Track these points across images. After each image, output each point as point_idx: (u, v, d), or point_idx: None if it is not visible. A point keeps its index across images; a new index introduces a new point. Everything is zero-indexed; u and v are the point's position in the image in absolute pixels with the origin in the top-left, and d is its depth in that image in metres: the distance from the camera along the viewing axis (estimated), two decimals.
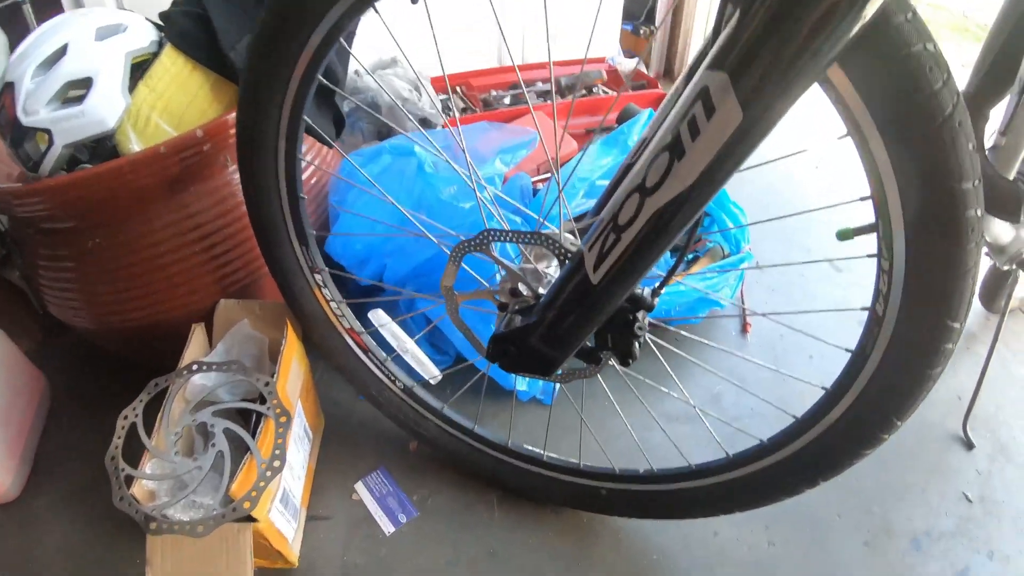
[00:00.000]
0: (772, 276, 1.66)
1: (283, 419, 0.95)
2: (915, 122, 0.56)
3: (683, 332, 1.25)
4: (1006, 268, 1.23)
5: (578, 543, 1.11)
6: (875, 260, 0.69)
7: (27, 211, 1.08)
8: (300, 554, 1.09)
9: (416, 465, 1.23)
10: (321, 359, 1.31)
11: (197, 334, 1.11)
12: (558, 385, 1.31)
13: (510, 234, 0.77)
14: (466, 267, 0.87)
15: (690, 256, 1.47)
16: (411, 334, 1.10)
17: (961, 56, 2.78)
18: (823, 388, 0.80)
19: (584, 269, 0.67)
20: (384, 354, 1.13)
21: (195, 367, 1.03)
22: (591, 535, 1.12)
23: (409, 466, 1.23)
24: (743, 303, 1.56)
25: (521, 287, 0.81)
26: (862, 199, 0.66)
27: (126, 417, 0.97)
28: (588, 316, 0.71)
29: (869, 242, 0.70)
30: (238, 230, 1.17)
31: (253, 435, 0.95)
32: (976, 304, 1.61)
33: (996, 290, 1.54)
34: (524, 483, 1.13)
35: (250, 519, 0.89)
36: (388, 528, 1.13)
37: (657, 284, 0.76)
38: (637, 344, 0.74)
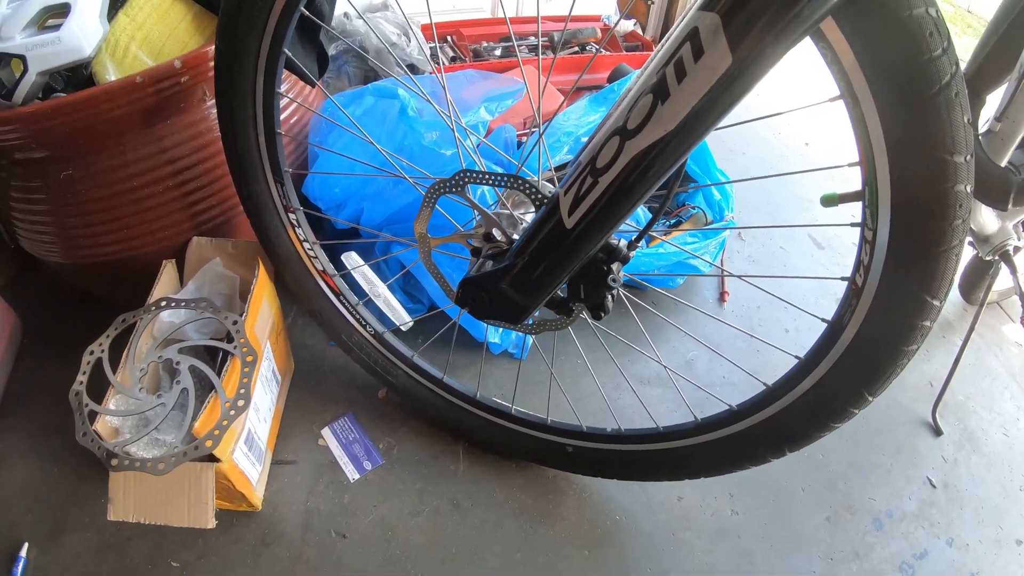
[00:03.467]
0: (753, 247, 1.66)
1: (250, 358, 0.93)
2: (911, 87, 0.55)
3: (661, 293, 1.24)
4: (988, 259, 1.23)
5: (542, 499, 1.11)
6: (858, 229, 0.68)
7: None
8: (264, 498, 1.08)
9: (384, 414, 1.22)
10: (294, 303, 1.29)
11: (168, 271, 1.09)
12: (531, 340, 1.30)
13: (486, 175, 0.74)
14: (441, 210, 0.85)
15: (672, 221, 1.46)
16: (384, 279, 1.08)
17: (961, 50, 2.74)
18: (796, 357, 0.79)
19: (559, 213, 0.64)
20: (356, 298, 1.11)
21: (164, 303, 1.01)
22: (555, 492, 1.12)
23: (377, 414, 1.22)
24: (723, 271, 1.55)
25: (495, 233, 0.79)
26: (851, 165, 0.65)
27: (92, 352, 0.95)
28: (561, 262, 0.69)
29: (854, 210, 0.68)
30: (214, 166, 1.14)
31: (219, 374, 0.93)
32: (955, 294, 1.62)
33: (976, 281, 1.54)
34: (491, 436, 1.13)
35: (213, 459, 0.88)
36: (353, 475, 1.12)
37: (634, 237, 0.74)
38: (610, 297, 0.72)
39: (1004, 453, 1.27)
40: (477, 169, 0.75)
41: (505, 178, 0.74)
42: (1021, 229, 1.23)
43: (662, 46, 0.55)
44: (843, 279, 0.71)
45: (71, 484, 1.09)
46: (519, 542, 1.06)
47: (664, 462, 0.98)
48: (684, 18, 0.52)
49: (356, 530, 1.06)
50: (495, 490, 1.12)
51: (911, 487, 1.20)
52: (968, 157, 0.57)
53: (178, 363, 0.94)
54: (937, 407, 1.31)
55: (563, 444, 1.06)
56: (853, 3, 0.52)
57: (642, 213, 1.38)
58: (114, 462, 0.83)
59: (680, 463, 0.96)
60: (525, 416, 1.08)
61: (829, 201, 0.69)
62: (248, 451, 0.99)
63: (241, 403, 0.88)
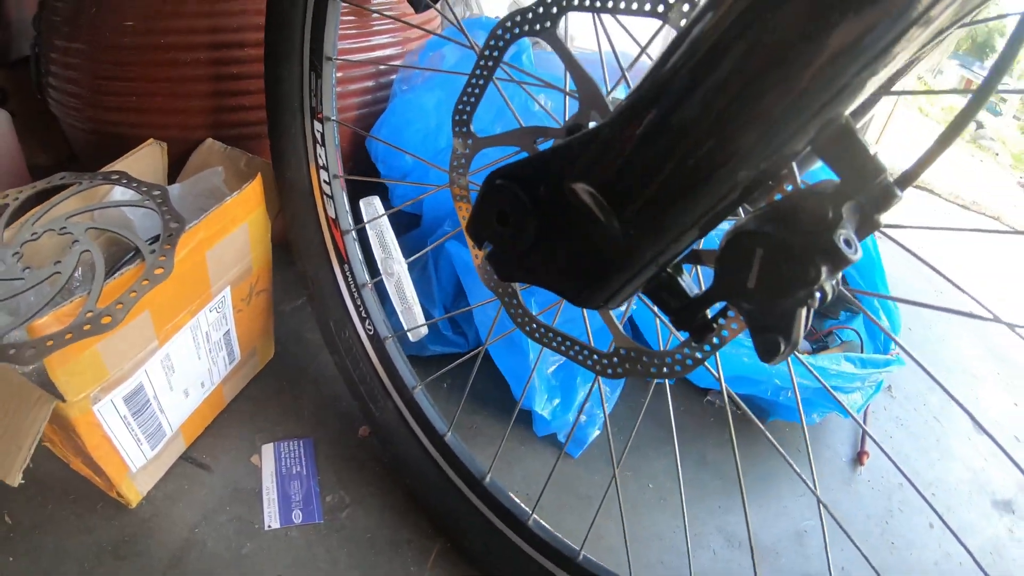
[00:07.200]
0: (903, 409, 1.16)
1: (159, 271, 0.59)
2: None
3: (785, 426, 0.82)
4: None
5: None
6: None
7: None
8: (146, 496, 0.75)
9: (354, 459, 0.84)
10: (304, 288, 0.93)
11: (151, 149, 0.82)
12: (593, 433, 0.90)
13: None
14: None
15: (815, 346, 1.04)
16: (429, 284, 0.73)
17: None
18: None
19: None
20: (365, 276, 0.75)
21: (116, 176, 0.71)
22: None
23: (345, 456, 0.84)
24: (865, 422, 1.08)
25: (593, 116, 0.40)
26: None
27: (6, 196, 0.68)
28: (729, 135, 0.30)
29: None
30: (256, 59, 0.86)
31: (112, 273, 0.60)
32: None
33: None
34: (487, 549, 0.71)
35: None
36: (272, 522, 0.75)
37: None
38: (804, 310, 0.32)
39: None
40: None
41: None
42: None
43: None
44: None
45: None
46: None
47: None
48: None
49: None
50: None
51: None
52: None
53: (76, 242, 0.63)
54: None
55: None
56: None
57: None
58: None
59: None
60: (546, 536, 0.66)
61: None
62: (133, 418, 0.67)
63: (106, 320, 0.54)
